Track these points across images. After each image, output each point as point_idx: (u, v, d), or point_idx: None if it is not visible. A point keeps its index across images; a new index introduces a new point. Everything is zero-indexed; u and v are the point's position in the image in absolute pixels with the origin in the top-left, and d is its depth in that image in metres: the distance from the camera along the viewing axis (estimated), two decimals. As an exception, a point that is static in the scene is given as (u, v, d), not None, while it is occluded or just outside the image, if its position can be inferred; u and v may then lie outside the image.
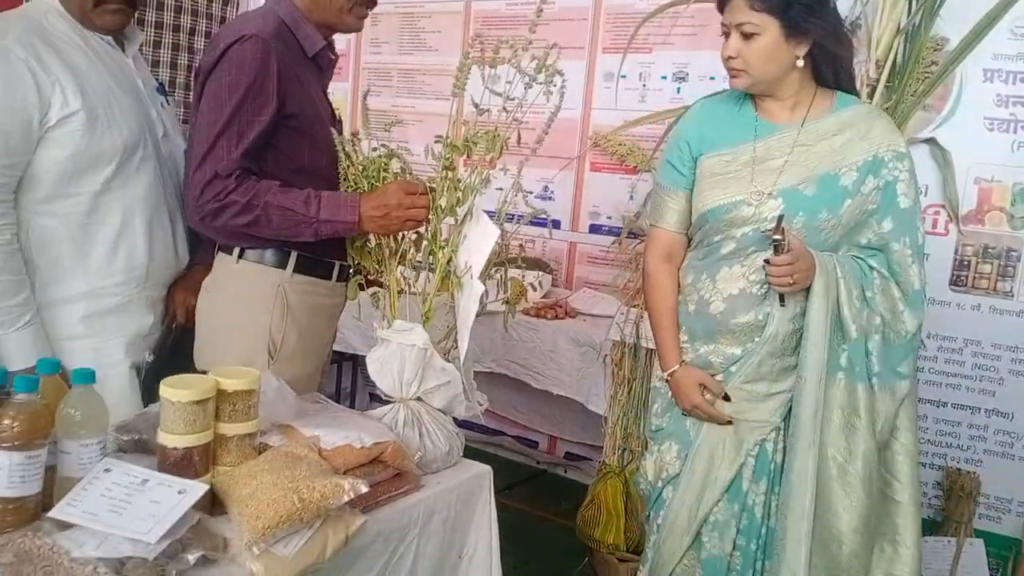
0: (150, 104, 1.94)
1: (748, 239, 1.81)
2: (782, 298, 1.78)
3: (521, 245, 1.93)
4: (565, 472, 3.63)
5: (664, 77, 3.31)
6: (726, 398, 1.86)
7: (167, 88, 2.15)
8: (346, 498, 1.27)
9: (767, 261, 1.71)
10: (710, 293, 1.86)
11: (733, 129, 1.87)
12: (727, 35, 1.79)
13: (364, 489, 1.30)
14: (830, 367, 1.77)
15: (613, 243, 3.28)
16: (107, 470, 1.25)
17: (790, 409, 1.83)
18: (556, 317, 3.06)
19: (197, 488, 1.23)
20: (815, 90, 1.85)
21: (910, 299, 1.81)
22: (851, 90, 1.90)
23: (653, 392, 2.06)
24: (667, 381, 1.95)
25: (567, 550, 2.81)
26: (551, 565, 2.85)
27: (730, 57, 1.78)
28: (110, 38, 1.90)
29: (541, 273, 3.29)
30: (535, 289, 1.85)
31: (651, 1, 3.18)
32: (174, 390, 1.28)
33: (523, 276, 3.13)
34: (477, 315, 1.68)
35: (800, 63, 1.78)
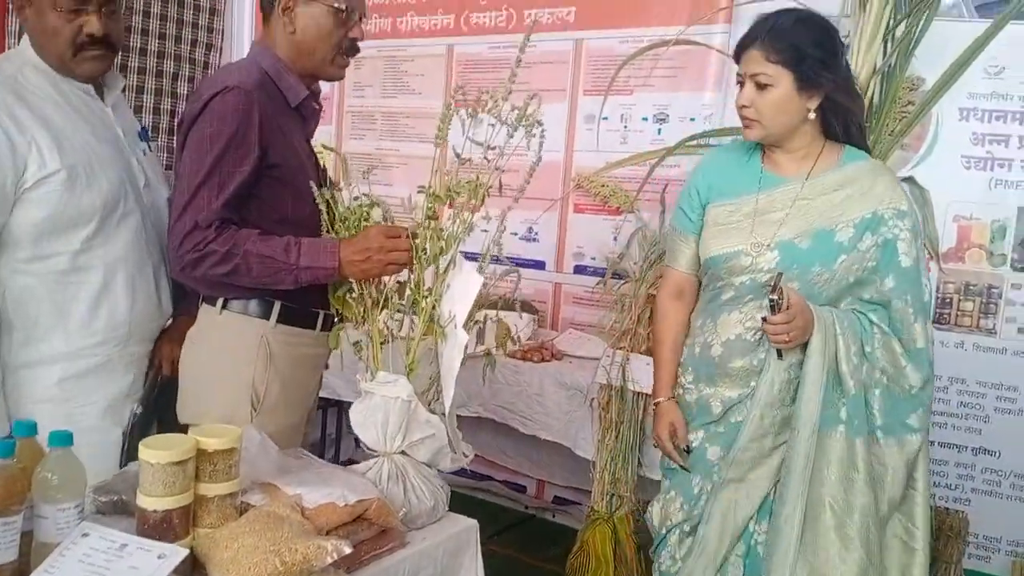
0: (131, 153, 1.92)
1: (746, 287, 1.86)
2: (780, 352, 1.80)
3: (500, 297, 1.92)
4: (554, 517, 3.59)
5: (645, 119, 3.33)
6: (688, 450, 1.97)
7: (149, 133, 2.13)
8: (329, 560, 1.25)
9: (764, 319, 1.75)
10: (711, 337, 1.91)
11: (739, 180, 1.92)
12: (742, 84, 1.83)
13: (347, 550, 1.27)
14: (828, 420, 1.79)
15: (598, 283, 3.27)
16: (85, 535, 1.22)
17: None
18: (542, 360, 3.04)
19: (177, 552, 1.21)
20: (823, 144, 1.88)
21: (912, 355, 1.81)
22: (861, 145, 1.92)
23: None
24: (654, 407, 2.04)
25: (557, 597, 2.77)
26: (540, 612, 2.81)
27: (744, 106, 1.82)
28: (89, 87, 1.87)
29: (523, 314, 3.28)
30: (514, 341, 1.85)
31: (632, 44, 3.22)
32: (153, 451, 1.25)
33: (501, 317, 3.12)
34: (461, 363, 1.66)
35: (812, 115, 1.81)
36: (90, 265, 1.79)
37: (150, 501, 1.25)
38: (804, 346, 1.79)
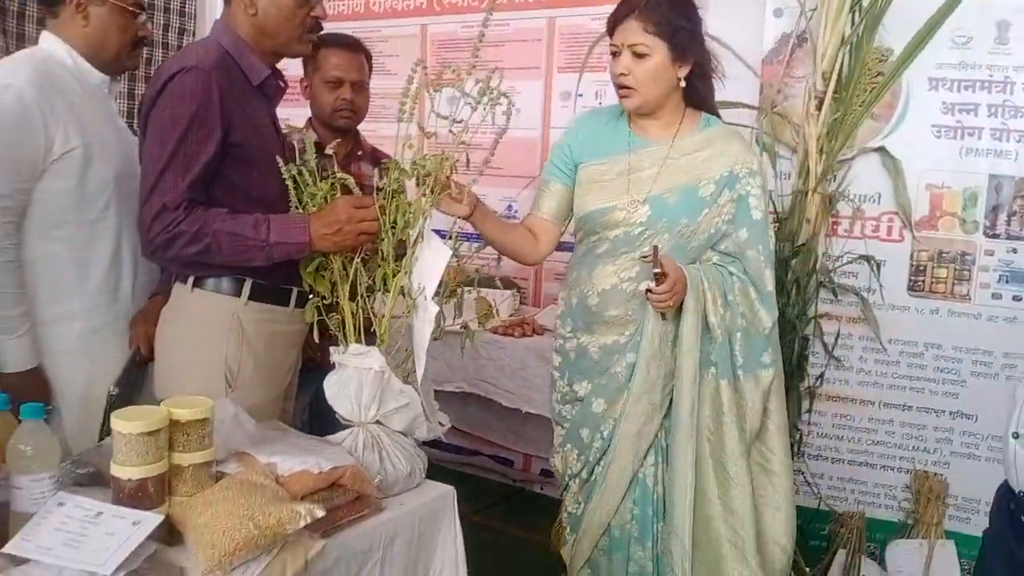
0: (130, 139, 2.08)
1: (620, 240, 2.02)
2: (664, 315, 1.97)
3: (476, 270, 1.96)
4: (541, 489, 3.63)
5: (622, 95, 3.35)
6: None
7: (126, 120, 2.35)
8: (303, 523, 1.28)
9: (649, 291, 1.89)
10: (587, 288, 2.05)
11: (609, 142, 2.07)
12: (616, 55, 1.96)
13: (320, 514, 1.30)
14: (703, 364, 1.98)
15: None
16: (60, 504, 1.25)
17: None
18: (524, 335, 3.08)
19: (152, 519, 1.24)
20: (685, 110, 2.05)
21: (764, 299, 2.02)
22: (715, 113, 2.11)
23: (551, 379, 2.22)
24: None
25: (545, 567, 2.81)
26: (528, 583, 2.84)
27: (622, 74, 1.94)
28: (107, 80, 2.07)
29: (504, 290, 3.30)
30: (494, 316, 1.90)
31: (603, 21, 3.22)
32: (125, 422, 1.28)
33: (487, 295, 3.15)
34: (435, 337, 1.69)
35: (682, 83, 1.98)
36: (104, 234, 1.98)
37: (124, 470, 1.28)
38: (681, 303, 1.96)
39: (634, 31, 1.91)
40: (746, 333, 2.01)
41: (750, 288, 2.01)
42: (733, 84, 2.84)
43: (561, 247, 3.50)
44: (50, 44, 2.01)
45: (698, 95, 2.04)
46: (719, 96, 2.86)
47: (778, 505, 2.05)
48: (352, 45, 2.60)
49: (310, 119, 2.61)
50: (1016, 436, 1.44)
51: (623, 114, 2.09)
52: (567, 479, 2.16)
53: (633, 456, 2.03)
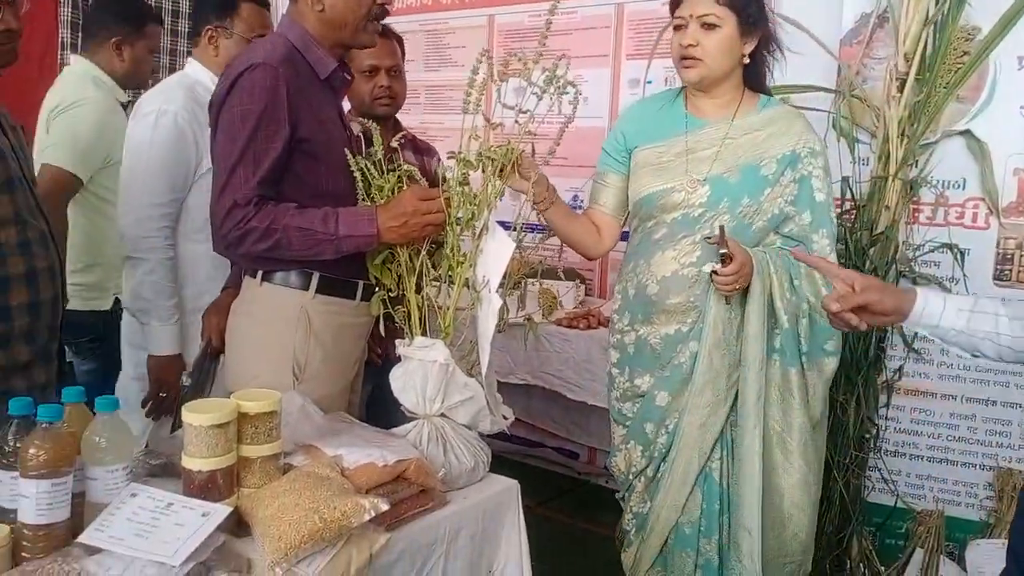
0: None
1: (678, 224, 1.97)
2: (728, 299, 1.92)
3: (540, 261, 1.94)
4: (606, 482, 3.59)
5: (691, 81, 3.27)
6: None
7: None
8: (367, 516, 1.28)
9: (715, 272, 1.84)
10: (645, 277, 2.00)
11: (664, 124, 2.04)
12: (681, 27, 1.92)
13: (385, 507, 1.30)
14: (768, 351, 1.94)
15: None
16: (133, 495, 1.27)
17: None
18: (589, 327, 3.04)
19: (220, 510, 1.25)
20: (743, 91, 2.01)
21: (830, 284, 1.88)
22: (769, 94, 2.08)
23: (609, 378, 2.17)
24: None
25: (607, 561, 2.78)
26: (594, 575, 2.82)
27: (690, 45, 1.90)
28: None
29: (568, 281, 3.27)
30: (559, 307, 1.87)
31: (673, 5, 3.16)
32: (196, 414, 1.30)
33: (552, 287, 3.13)
34: (499, 330, 1.68)
35: (746, 60, 1.95)
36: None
37: (194, 462, 1.30)
38: (746, 289, 1.90)
39: (705, 2, 1.88)
40: (811, 319, 1.96)
41: (816, 273, 1.94)
42: (809, 66, 2.76)
43: (624, 237, 3.49)
44: (194, 69, 2.35)
45: (757, 76, 2.01)
46: (793, 79, 2.80)
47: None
48: (383, 32, 2.57)
49: (349, 111, 2.61)
50: None
51: (678, 96, 2.06)
52: (631, 478, 2.11)
53: (699, 450, 1.98)
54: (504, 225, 1.70)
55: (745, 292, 1.90)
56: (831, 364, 1.99)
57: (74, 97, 2.53)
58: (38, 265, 1.69)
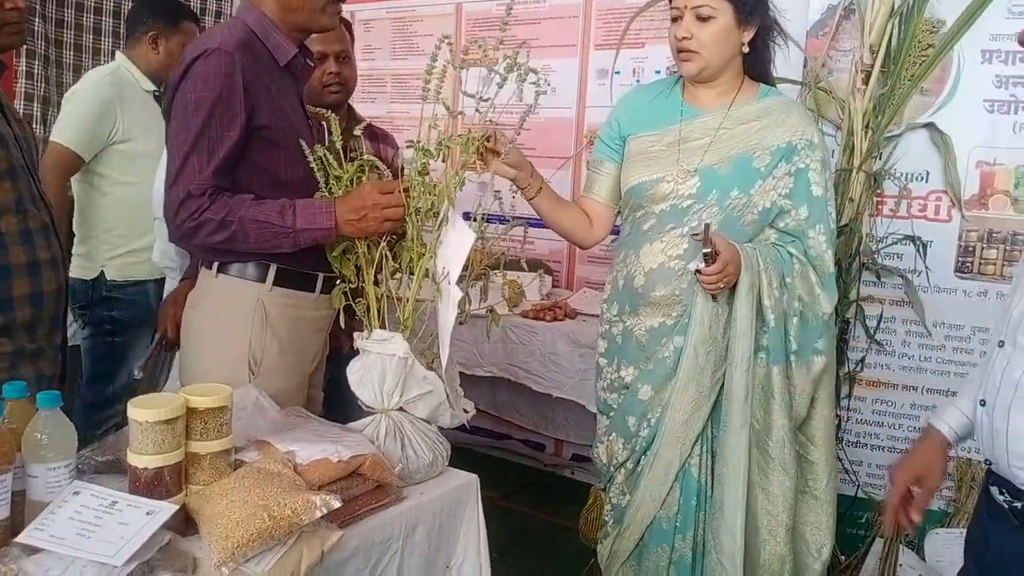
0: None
1: (667, 215, 1.94)
2: (714, 297, 1.88)
3: (503, 253, 1.90)
4: (572, 474, 3.59)
5: (658, 71, 3.26)
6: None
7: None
8: (318, 513, 1.25)
9: (699, 271, 1.80)
10: (634, 268, 1.98)
11: (660, 112, 2.00)
12: (677, 19, 1.88)
13: (337, 504, 1.27)
14: (754, 349, 1.89)
15: (613, 241, 3.23)
16: (76, 493, 1.23)
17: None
18: (555, 319, 3.03)
19: (166, 509, 1.22)
20: (743, 79, 1.97)
21: (826, 283, 1.94)
22: (772, 84, 2.03)
23: (596, 368, 2.13)
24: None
25: (575, 552, 2.78)
26: (558, 567, 2.82)
27: (685, 38, 1.86)
28: None
29: (533, 272, 3.24)
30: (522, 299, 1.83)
31: (641, -4, 3.14)
32: (142, 410, 1.26)
33: (517, 278, 3.10)
34: (460, 322, 1.65)
35: (745, 49, 1.90)
36: None
37: (141, 459, 1.27)
38: (734, 285, 1.86)
39: None
40: (803, 318, 1.92)
41: (810, 270, 1.92)
42: (777, 57, 2.76)
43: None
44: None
45: (759, 64, 1.96)
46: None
47: (816, 495, 2.00)
48: None
49: None
50: (983, 403, 1.38)
51: (676, 84, 2.01)
52: (612, 470, 2.08)
53: (680, 446, 1.94)
54: (465, 216, 1.67)
55: (733, 288, 1.87)
56: (820, 362, 1.95)
57: (84, 83, 2.76)
58: (40, 256, 1.66)
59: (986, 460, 1.42)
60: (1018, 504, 1.35)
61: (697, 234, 1.82)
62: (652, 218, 1.95)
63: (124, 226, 2.75)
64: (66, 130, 2.66)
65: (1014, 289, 1.46)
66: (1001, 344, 1.40)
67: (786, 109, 1.95)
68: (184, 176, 1.63)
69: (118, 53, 2.88)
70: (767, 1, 1.90)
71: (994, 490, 1.41)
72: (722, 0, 1.82)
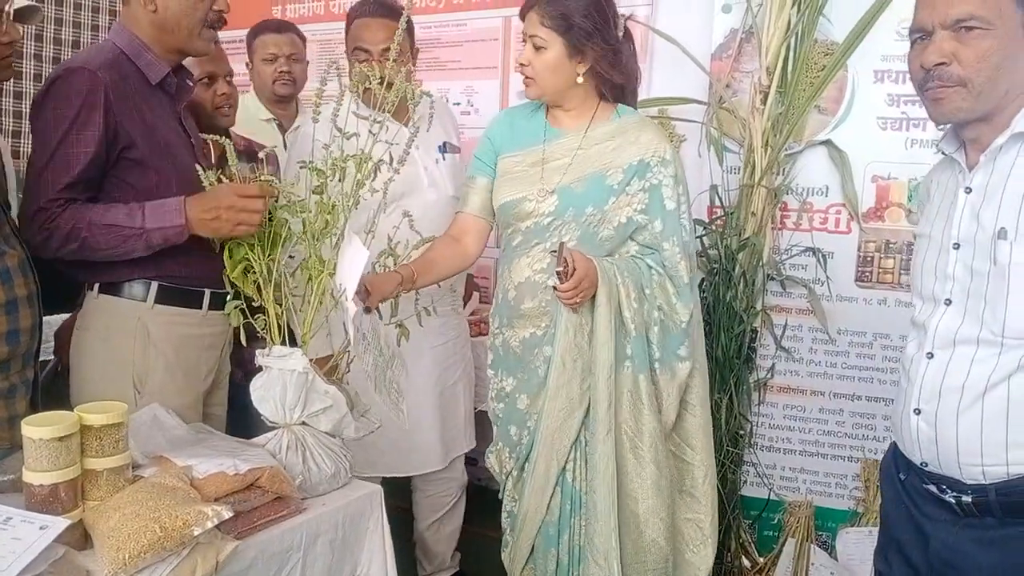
0: None
1: (532, 232, 2.04)
2: (574, 309, 1.95)
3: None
4: (491, 485, 3.62)
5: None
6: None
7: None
8: (210, 524, 1.29)
9: (555, 287, 1.88)
10: (507, 282, 2.09)
11: (527, 133, 2.10)
12: (526, 44, 1.98)
13: (228, 515, 1.31)
14: (618, 357, 1.98)
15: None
16: (-31, 511, 1.26)
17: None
18: (480, 333, 3.09)
19: (59, 523, 1.25)
20: (598, 103, 2.06)
21: (681, 292, 2.03)
22: (632, 104, 2.12)
23: (488, 378, 2.22)
24: None
25: (493, 564, 2.82)
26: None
27: (523, 64, 1.98)
28: None
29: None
30: (428, 314, 1.90)
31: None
32: (35, 428, 1.29)
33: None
34: (346, 350, 1.70)
35: (580, 80, 1.98)
36: None
37: (36, 476, 1.30)
38: (594, 296, 1.94)
39: (533, 23, 1.94)
40: (663, 327, 2.02)
41: (667, 281, 2.01)
42: (684, 79, 2.88)
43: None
44: None
45: (613, 88, 2.04)
46: (670, 91, 2.91)
47: (694, 494, 2.09)
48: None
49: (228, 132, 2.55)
50: (918, 412, 1.46)
51: (541, 107, 2.11)
52: (503, 477, 2.18)
53: (556, 453, 2.02)
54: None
55: (593, 301, 1.95)
56: (684, 368, 2.03)
57: None
58: (18, 293, 1.63)
59: (922, 463, 1.45)
60: (967, 497, 1.39)
61: (554, 251, 1.91)
62: (519, 235, 2.06)
63: None
64: None
65: (924, 301, 1.51)
66: (930, 356, 1.44)
67: (639, 128, 2.04)
68: (39, 191, 1.66)
69: None
70: (603, 34, 1.95)
71: (932, 488, 1.45)
72: (552, 33, 1.92)
